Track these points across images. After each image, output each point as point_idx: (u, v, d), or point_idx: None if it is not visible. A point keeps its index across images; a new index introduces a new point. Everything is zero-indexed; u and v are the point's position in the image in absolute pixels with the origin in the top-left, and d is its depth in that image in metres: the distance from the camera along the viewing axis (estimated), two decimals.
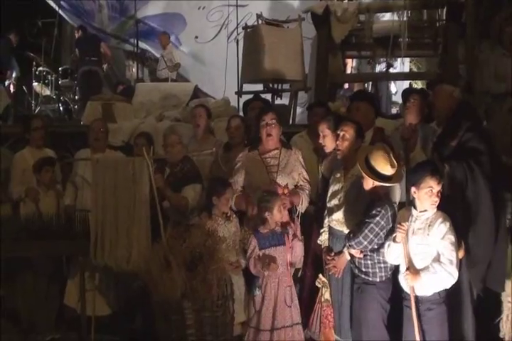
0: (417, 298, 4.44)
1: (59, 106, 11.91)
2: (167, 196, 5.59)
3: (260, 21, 9.56)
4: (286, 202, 5.28)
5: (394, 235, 4.47)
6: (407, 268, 4.45)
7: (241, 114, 7.47)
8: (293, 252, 5.19)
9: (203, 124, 6.65)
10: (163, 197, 5.57)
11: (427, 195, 4.41)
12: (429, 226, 4.44)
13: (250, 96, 8.43)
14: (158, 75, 12.42)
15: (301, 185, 5.62)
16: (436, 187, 4.40)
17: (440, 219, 4.44)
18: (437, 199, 4.42)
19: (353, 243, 4.69)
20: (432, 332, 4.42)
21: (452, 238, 4.41)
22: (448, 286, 4.43)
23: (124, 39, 13.96)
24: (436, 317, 4.44)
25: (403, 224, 4.43)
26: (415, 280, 4.40)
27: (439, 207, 4.49)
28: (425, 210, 4.47)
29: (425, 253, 4.45)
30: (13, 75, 12.46)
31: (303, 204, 5.54)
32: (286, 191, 5.31)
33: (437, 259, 4.39)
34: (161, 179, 5.58)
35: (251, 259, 5.12)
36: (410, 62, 12.60)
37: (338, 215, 5.06)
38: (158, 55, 13.00)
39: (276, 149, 5.64)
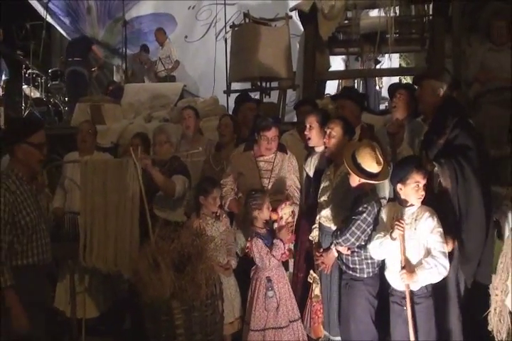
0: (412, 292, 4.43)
1: (49, 109, 11.88)
2: (155, 177, 5.38)
3: (247, 20, 9.57)
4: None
5: (390, 231, 4.41)
6: (403, 267, 4.38)
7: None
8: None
9: (192, 125, 6.68)
10: (152, 194, 5.54)
11: (413, 190, 4.39)
12: (415, 220, 4.43)
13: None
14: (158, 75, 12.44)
15: (292, 192, 5.61)
16: (422, 181, 4.39)
17: (427, 213, 4.42)
18: (423, 193, 4.41)
19: (340, 240, 4.68)
20: (419, 326, 4.39)
21: (441, 230, 4.39)
22: (440, 279, 4.41)
23: (113, 50, 13.92)
24: (424, 310, 4.42)
25: (401, 220, 4.36)
26: (412, 279, 4.34)
27: (431, 204, 4.49)
28: (411, 205, 4.46)
29: (414, 248, 4.41)
30: (2, 78, 12.43)
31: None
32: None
33: (427, 254, 4.37)
34: (147, 160, 5.37)
35: (265, 256, 5.08)
36: (399, 57, 12.65)
37: (327, 212, 5.05)
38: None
39: (272, 153, 5.65)
